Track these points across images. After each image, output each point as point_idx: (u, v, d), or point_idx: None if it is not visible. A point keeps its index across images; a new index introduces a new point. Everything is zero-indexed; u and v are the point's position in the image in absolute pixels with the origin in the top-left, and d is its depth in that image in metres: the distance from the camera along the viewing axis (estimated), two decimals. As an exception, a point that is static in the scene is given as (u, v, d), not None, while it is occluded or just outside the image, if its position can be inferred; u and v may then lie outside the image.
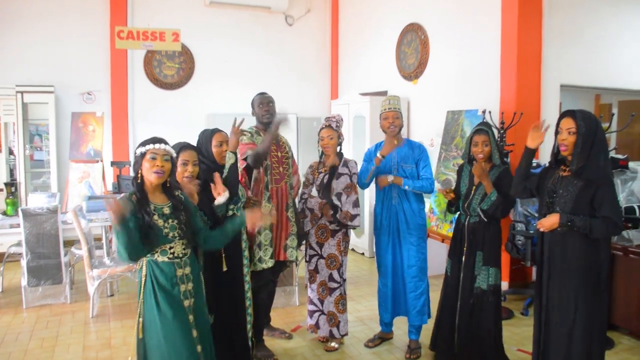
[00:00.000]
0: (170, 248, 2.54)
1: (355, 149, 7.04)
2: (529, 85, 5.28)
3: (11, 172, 7.20)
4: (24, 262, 4.93)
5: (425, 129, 6.61)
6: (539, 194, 3.07)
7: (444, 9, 6.33)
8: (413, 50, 6.87)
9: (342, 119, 4.02)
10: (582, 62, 5.71)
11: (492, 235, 3.51)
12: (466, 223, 3.56)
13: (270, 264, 3.85)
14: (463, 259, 3.54)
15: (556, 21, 5.44)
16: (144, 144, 2.54)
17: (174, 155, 2.63)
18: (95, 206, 5.63)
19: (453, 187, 3.80)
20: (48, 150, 7.16)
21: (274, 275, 4.15)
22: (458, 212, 3.71)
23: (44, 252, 4.95)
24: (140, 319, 2.52)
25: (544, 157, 4.99)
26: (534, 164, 4.69)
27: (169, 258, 2.54)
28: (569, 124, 2.83)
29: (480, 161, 3.50)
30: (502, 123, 5.03)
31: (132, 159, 2.65)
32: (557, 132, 2.93)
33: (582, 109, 2.92)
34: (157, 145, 2.53)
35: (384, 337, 4.23)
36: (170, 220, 2.55)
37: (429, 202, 5.46)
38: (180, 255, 2.58)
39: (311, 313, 4.09)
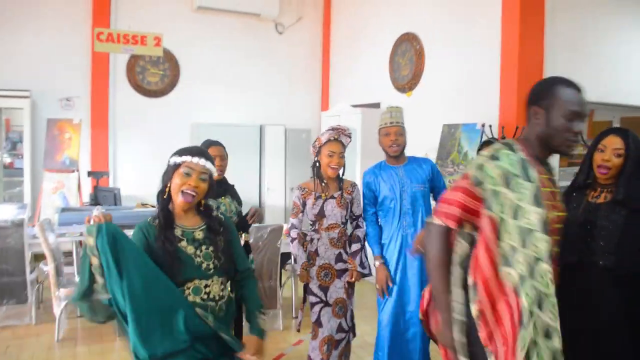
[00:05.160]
0: (206, 286, 2.02)
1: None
2: (531, 98, 5.03)
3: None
4: (-15, 280, 4.56)
5: (419, 143, 6.32)
6: None
7: (441, 18, 6.08)
8: (407, 60, 6.61)
9: (350, 134, 3.35)
10: (586, 76, 5.42)
11: None
12: None
13: None
14: None
15: (560, 33, 5.20)
16: (180, 153, 2.08)
17: (214, 173, 2.16)
18: (67, 219, 5.27)
19: None
20: (26, 159, 6.80)
21: None
22: None
23: (7, 269, 4.59)
24: None
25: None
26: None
27: (202, 299, 2.01)
28: (616, 143, 2.45)
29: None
30: (504, 138, 4.77)
31: (164, 169, 2.19)
32: (594, 150, 2.53)
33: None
34: (195, 160, 2.05)
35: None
36: (204, 247, 2.06)
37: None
38: (217, 297, 2.05)
39: None
